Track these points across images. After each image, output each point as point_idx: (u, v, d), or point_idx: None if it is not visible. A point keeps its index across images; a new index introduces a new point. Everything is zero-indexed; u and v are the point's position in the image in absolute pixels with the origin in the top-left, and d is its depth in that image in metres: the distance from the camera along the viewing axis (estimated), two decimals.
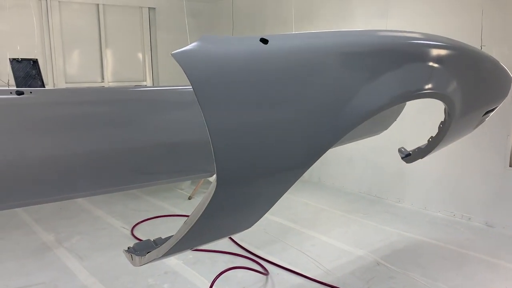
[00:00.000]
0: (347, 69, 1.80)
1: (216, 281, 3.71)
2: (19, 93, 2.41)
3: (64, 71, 7.10)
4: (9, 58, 3.38)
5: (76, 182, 2.74)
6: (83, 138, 2.70)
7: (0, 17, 6.36)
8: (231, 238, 4.58)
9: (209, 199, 1.51)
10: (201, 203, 1.60)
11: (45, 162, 2.56)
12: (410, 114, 4.78)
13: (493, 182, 4.89)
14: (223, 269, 3.88)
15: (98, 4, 7.32)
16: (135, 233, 4.89)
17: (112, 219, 5.36)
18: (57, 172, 2.63)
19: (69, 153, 2.63)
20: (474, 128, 3.11)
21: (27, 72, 3.40)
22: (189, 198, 6.21)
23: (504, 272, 3.89)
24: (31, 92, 2.50)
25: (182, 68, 1.36)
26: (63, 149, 2.61)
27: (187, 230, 1.64)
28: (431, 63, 2.16)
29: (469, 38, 3.47)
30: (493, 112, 2.99)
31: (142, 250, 2.06)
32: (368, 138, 4.11)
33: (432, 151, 3.01)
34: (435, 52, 2.23)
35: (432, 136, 2.91)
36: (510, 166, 4.77)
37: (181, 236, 1.68)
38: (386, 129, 4.04)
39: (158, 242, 2.05)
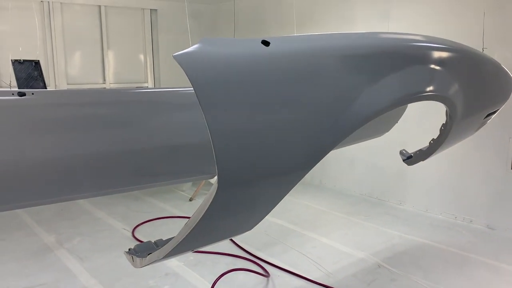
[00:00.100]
0: (349, 72, 1.80)
1: (217, 283, 3.70)
2: (21, 94, 2.42)
3: (66, 72, 7.12)
4: (11, 60, 3.39)
5: (78, 183, 2.74)
6: (85, 140, 2.70)
7: (2, 18, 6.38)
8: (232, 240, 4.58)
9: (210, 201, 1.51)
10: (202, 205, 1.60)
11: (47, 164, 2.56)
12: (411, 116, 4.78)
13: (495, 184, 4.88)
14: (224, 271, 3.87)
15: (100, 6, 7.34)
16: (136, 234, 4.89)
17: (113, 221, 5.36)
18: (59, 174, 2.63)
19: (70, 154, 2.63)
20: (476, 131, 3.10)
21: (29, 73, 3.41)
22: (190, 200, 6.22)
23: (506, 275, 3.88)
24: (33, 94, 2.50)
25: (184, 70, 1.36)
26: (65, 151, 2.61)
27: (188, 232, 1.64)
28: (432, 66, 2.16)
29: (470, 40, 3.47)
30: (495, 114, 2.98)
31: (143, 251, 2.06)
32: (370, 140, 4.11)
33: (434, 154, 3.00)
34: (436, 54, 2.23)
35: (433, 139, 2.90)
36: (511, 168, 4.77)
37: (182, 238, 1.68)
38: (387, 131, 4.04)
39: (159, 244, 2.05)
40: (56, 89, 6.74)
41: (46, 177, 2.59)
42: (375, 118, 1.82)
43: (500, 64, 2.91)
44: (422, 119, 5.22)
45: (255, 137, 1.51)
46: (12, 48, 5.89)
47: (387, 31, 4.27)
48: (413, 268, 3.97)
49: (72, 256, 4.32)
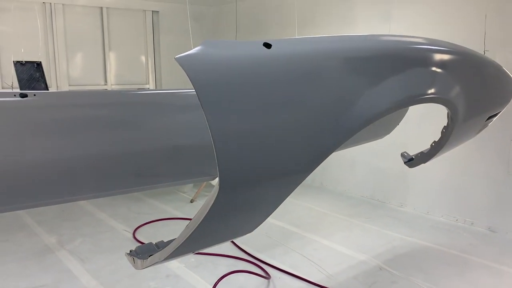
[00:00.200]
0: (350, 74, 1.80)
1: (218, 284, 3.70)
2: (23, 95, 2.42)
3: (67, 73, 7.13)
4: (13, 61, 3.40)
5: (79, 184, 2.74)
6: (86, 141, 2.71)
7: (4, 19, 6.40)
8: (233, 242, 4.58)
9: (211, 203, 1.51)
10: (204, 207, 1.60)
11: (48, 165, 2.57)
12: (413, 119, 4.78)
13: (496, 187, 4.87)
14: (225, 273, 3.87)
15: (101, 7, 7.36)
16: (137, 236, 4.89)
17: (114, 222, 5.36)
18: (60, 175, 2.63)
19: (72, 155, 2.63)
20: (477, 133, 3.10)
21: (31, 74, 3.42)
22: (191, 201, 6.22)
23: (507, 278, 3.87)
24: (34, 95, 2.51)
25: (186, 72, 1.37)
26: (66, 152, 2.61)
27: (189, 234, 1.64)
28: (434, 68, 2.16)
29: (472, 43, 3.47)
30: (496, 117, 2.98)
31: (144, 253, 2.06)
32: (371, 142, 4.11)
33: (435, 156, 3.00)
34: (438, 57, 2.23)
35: (435, 141, 2.90)
36: None
37: (184, 240, 1.68)
38: (388, 133, 4.04)
39: (160, 245, 2.05)
40: (58, 91, 6.76)
41: (48, 178, 2.60)
42: (376, 121, 1.82)
43: (501, 67, 2.91)
44: (423, 122, 5.22)
45: (256, 139, 1.51)
46: (14, 50, 5.91)
47: (388, 34, 4.27)
48: (414, 271, 3.96)
49: (73, 257, 4.32)
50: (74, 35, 7.11)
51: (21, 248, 4.58)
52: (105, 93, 4.84)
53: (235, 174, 1.47)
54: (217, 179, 1.46)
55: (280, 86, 1.59)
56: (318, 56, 1.75)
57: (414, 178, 5.60)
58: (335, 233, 4.93)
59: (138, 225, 5.19)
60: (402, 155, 3.50)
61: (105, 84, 7.57)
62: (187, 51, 1.43)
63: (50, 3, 6.79)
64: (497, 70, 2.86)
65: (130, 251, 2.12)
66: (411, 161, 3.39)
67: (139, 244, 3.23)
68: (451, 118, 2.47)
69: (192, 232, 1.62)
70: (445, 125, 2.65)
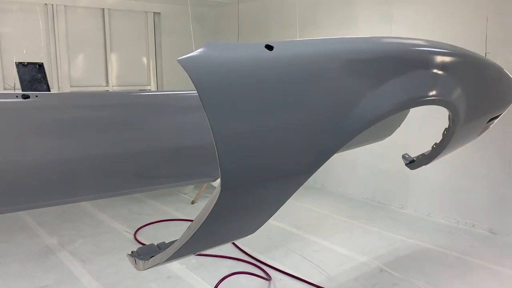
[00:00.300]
0: (352, 76, 1.81)
1: (219, 286, 3.70)
2: (25, 96, 2.43)
3: (69, 75, 7.14)
4: (15, 62, 3.40)
5: (80, 185, 2.75)
6: (87, 142, 2.71)
7: (6, 21, 6.42)
8: (234, 243, 4.58)
9: (213, 204, 1.51)
10: (205, 208, 1.60)
11: (50, 166, 2.57)
12: (414, 121, 4.78)
13: (497, 189, 4.87)
14: (226, 274, 3.87)
15: (103, 9, 7.37)
16: (138, 237, 4.89)
17: (115, 223, 5.36)
18: (62, 176, 2.64)
19: (73, 156, 2.64)
20: (478, 135, 3.10)
21: (33, 76, 3.42)
22: (192, 203, 6.22)
23: (508, 280, 3.87)
24: (36, 96, 2.51)
25: (188, 74, 1.37)
26: (68, 153, 2.62)
27: (191, 235, 1.64)
28: (435, 70, 2.17)
29: (473, 45, 3.47)
30: (497, 119, 2.98)
31: (145, 254, 2.07)
32: (372, 144, 4.11)
33: (436, 158, 3.00)
34: (439, 59, 2.23)
35: (436, 143, 2.90)
36: None
37: (185, 241, 1.68)
38: (390, 135, 4.04)
39: (162, 247, 2.05)
40: (60, 92, 6.77)
41: (49, 179, 2.60)
42: (378, 122, 1.82)
43: (502, 69, 2.91)
44: (424, 124, 5.22)
45: (258, 140, 1.52)
46: (16, 51, 5.92)
47: (390, 36, 4.28)
48: (415, 273, 3.96)
49: (74, 258, 4.32)
50: (75, 36, 7.13)
51: (22, 249, 4.58)
52: (106, 94, 4.85)
53: (237, 175, 1.48)
54: (218, 181, 1.46)
55: (282, 88, 1.59)
56: (320, 58, 1.75)
57: (415, 180, 5.60)
58: (336, 235, 4.93)
59: (139, 226, 5.20)
60: (404, 157, 3.51)
61: (107, 86, 7.58)
62: (189, 53, 1.44)
63: (52, 5, 6.81)
64: (498, 72, 2.86)
65: (132, 252, 2.13)
66: (412, 163, 3.39)
67: (140, 245, 3.24)
68: (453, 120, 2.48)
69: (194, 234, 1.63)
70: (446, 127, 2.65)
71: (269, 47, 1.59)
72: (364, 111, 1.75)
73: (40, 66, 3.51)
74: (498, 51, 4.57)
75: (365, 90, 1.80)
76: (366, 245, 4.61)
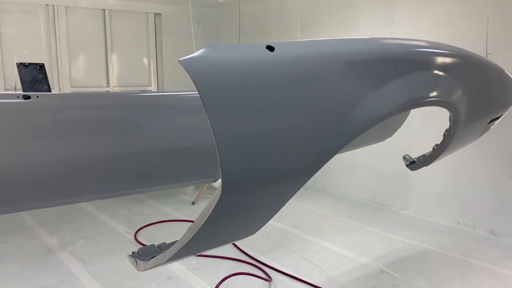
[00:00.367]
0: (353, 77, 1.81)
1: (219, 287, 3.70)
2: (26, 97, 2.43)
3: (70, 75, 7.15)
4: (16, 63, 3.40)
5: (81, 186, 2.75)
6: (88, 143, 2.71)
7: (8, 21, 6.42)
8: (234, 244, 4.58)
9: (214, 205, 1.51)
10: (206, 209, 1.60)
11: (50, 166, 2.57)
12: (415, 122, 4.78)
13: (498, 190, 4.87)
14: (226, 275, 3.87)
15: (104, 10, 7.38)
16: (138, 237, 4.89)
17: (115, 224, 5.36)
18: (62, 176, 2.64)
19: (74, 157, 2.64)
20: (479, 136, 3.10)
21: (34, 76, 3.42)
22: (193, 203, 6.22)
23: (509, 281, 3.86)
24: (37, 97, 2.52)
25: (190, 75, 1.37)
26: (68, 153, 2.62)
27: (192, 236, 1.64)
28: (436, 71, 2.17)
29: (474, 46, 3.47)
30: (498, 120, 2.98)
31: (146, 255, 2.06)
32: (373, 145, 4.11)
33: (437, 159, 3.00)
34: (440, 60, 2.23)
35: (437, 144, 2.90)
36: None
37: (186, 242, 1.68)
38: (390, 136, 4.04)
39: (163, 247, 2.05)
40: (61, 92, 6.77)
41: (50, 180, 2.60)
42: (379, 123, 1.82)
43: (503, 70, 2.91)
44: (425, 125, 5.22)
45: (259, 141, 1.52)
46: (17, 51, 5.93)
47: (391, 37, 4.28)
48: (416, 274, 3.96)
49: (74, 259, 4.32)
50: (76, 37, 7.14)
51: (22, 249, 4.58)
52: (107, 95, 4.85)
53: (238, 176, 1.48)
54: (219, 181, 1.46)
55: (283, 88, 1.59)
56: (321, 59, 1.75)
57: (416, 181, 5.60)
58: (337, 236, 4.93)
59: (140, 227, 5.20)
60: (404, 158, 3.50)
61: (107, 86, 7.59)
62: (190, 54, 1.44)
63: (53, 5, 6.82)
64: (499, 73, 2.86)
65: (133, 252, 2.12)
66: (413, 164, 3.39)
67: (141, 246, 3.24)
68: (453, 121, 2.48)
69: (195, 234, 1.63)
70: (447, 128, 2.65)
71: (270, 48, 1.59)
72: (365, 112, 1.75)
73: (41, 66, 3.51)
74: (499, 52, 4.57)
75: (366, 91, 1.80)
76: (366, 246, 4.61)
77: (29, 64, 3.44)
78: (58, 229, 5.17)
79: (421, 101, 2.11)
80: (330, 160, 1.74)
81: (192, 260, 4.22)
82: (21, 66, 3.41)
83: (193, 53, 1.44)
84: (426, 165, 3.19)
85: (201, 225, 1.59)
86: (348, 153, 4.03)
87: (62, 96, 3.84)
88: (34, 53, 6.37)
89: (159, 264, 1.97)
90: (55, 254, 4.44)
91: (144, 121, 2.99)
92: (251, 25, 7.70)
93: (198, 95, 1.37)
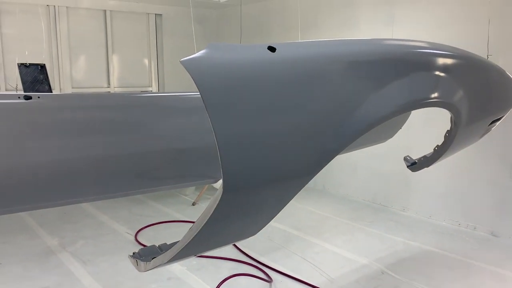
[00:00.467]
0: (354, 78, 1.81)
1: None
2: (27, 97, 2.44)
3: (71, 76, 7.15)
4: (18, 63, 3.40)
5: (81, 186, 2.75)
6: (89, 143, 2.72)
7: (9, 22, 6.43)
8: (235, 245, 4.57)
9: (215, 206, 1.51)
10: (207, 210, 1.60)
11: (51, 167, 2.58)
12: (416, 123, 4.77)
13: (499, 191, 4.86)
14: (226, 276, 3.87)
15: (105, 10, 7.38)
16: (139, 238, 4.89)
17: (116, 224, 5.36)
18: (63, 177, 2.64)
19: (74, 157, 2.64)
20: (480, 137, 3.09)
21: (35, 77, 3.42)
22: (193, 204, 6.22)
23: (510, 282, 3.86)
24: (38, 97, 2.52)
25: (191, 76, 1.37)
26: (69, 154, 2.62)
27: (192, 236, 1.64)
28: (437, 72, 2.16)
29: (475, 47, 3.46)
30: (499, 121, 2.98)
31: (147, 255, 2.06)
32: (374, 146, 4.11)
33: (438, 160, 3.00)
34: (441, 61, 2.23)
35: (438, 145, 2.90)
36: None
37: (187, 242, 1.68)
38: (391, 137, 4.04)
39: (163, 248, 2.05)
40: (62, 93, 6.78)
41: (51, 180, 2.61)
42: (380, 124, 1.82)
43: (504, 71, 2.91)
44: (426, 126, 5.21)
45: (260, 142, 1.51)
46: (19, 52, 5.94)
47: (392, 38, 4.28)
48: (417, 275, 3.95)
49: (75, 260, 4.32)
50: (77, 37, 7.14)
51: (23, 250, 4.58)
52: (108, 95, 4.86)
53: (239, 176, 1.48)
54: (219, 182, 1.46)
55: (284, 89, 1.59)
56: (322, 60, 1.75)
57: (416, 182, 5.59)
58: (337, 237, 4.93)
59: (140, 227, 5.20)
60: (405, 159, 3.50)
61: (108, 87, 7.59)
62: (191, 54, 1.44)
63: (54, 6, 6.83)
64: (500, 74, 2.86)
65: (134, 253, 2.12)
66: (414, 165, 3.38)
67: (142, 247, 3.24)
68: (454, 122, 2.47)
69: (196, 235, 1.63)
70: (448, 129, 2.65)
71: (272, 49, 1.58)
72: (366, 113, 1.75)
73: (42, 67, 3.51)
74: (500, 53, 4.56)
75: (367, 92, 1.80)
76: (367, 247, 4.60)
77: (30, 64, 3.44)
78: (59, 229, 5.17)
79: (422, 102, 2.11)
80: (331, 161, 1.74)
81: (193, 261, 4.22)
82: (22, 66, 3.42)
83: (194, 54, 1.44)
84: (427, 166, 3.19)
85: (202, 226, 1.58)
86: (348, 154, 4.03)
87: (63, 97, 3.85)
88: (35, 54, 6.38)
89: (160, 265, 1.97)
90: (55, 255, 4.44)
91: (145, 122, 2.99)
92: (252, 26, 7.70)
93: (199, 95, 1.37)
